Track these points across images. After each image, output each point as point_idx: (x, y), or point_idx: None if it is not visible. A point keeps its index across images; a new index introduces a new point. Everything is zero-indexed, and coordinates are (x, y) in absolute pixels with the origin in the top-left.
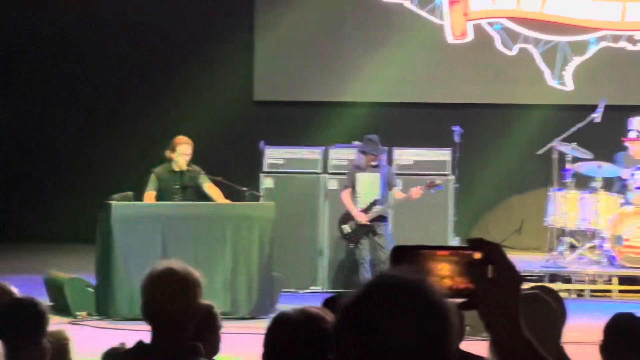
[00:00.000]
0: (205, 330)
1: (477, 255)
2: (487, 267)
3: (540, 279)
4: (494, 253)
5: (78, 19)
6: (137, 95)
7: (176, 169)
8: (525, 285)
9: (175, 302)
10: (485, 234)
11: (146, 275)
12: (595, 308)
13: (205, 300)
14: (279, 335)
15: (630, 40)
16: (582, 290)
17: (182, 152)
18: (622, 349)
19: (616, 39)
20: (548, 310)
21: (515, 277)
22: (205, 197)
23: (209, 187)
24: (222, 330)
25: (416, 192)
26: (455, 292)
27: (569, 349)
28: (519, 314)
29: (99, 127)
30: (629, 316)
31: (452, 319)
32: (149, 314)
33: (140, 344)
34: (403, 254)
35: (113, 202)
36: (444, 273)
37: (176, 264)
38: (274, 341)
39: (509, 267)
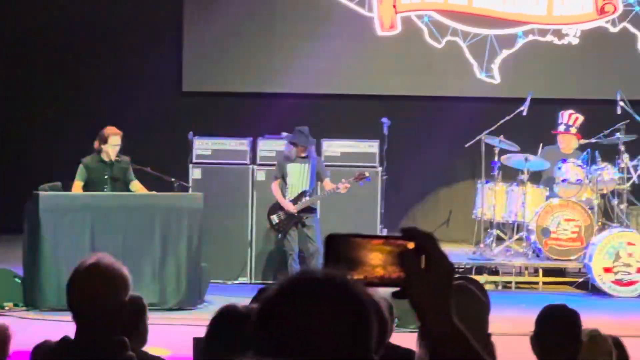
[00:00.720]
0: (133, 322)
1: (411, 245)
2: (420, 257)
3: (467, 271)
4: (427, 242)
5: (2, 8)
6: (65, 86)
7: (106, 159)
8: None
9: (102, 298)
10: (415, 224)
11: (73, 269)
12: (522, 300)
13: (133, 292)
14: (223, 327)
15: (557, 34)
16: (508, 282)
17: (112, 143)
18: (553, 340)
19: (543, 32)
20: (474, 300)
21: (447, 266)
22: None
23: (133, 185)
24: (150, 321)
25: (344, 186)
26: (388, 281)
27: (496, 340)
28: (451, 303)
29: (26, 117)
30: (560, 307)
31: (372, 315)
32: (75, 309)
33: (65, 339)
34: (336, 242)
35: (41, 192)
36: (376, 262)
37: (104, 258)
38: (218, 333)
39: (442, 256)
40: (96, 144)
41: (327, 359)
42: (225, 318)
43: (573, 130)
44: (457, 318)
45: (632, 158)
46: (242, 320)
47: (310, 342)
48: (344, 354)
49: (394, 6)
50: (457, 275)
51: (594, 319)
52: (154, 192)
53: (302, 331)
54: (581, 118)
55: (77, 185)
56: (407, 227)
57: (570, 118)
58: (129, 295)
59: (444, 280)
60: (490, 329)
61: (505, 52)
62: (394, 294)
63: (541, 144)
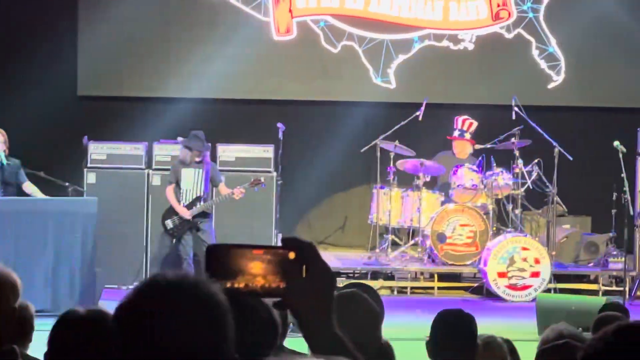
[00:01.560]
0: (22, 330)
1: (291, 255)
2: (301, 266)
3: (363, 276)
4: (307, 252)
5: None
6: None
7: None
8: (343, 283)
9: None
10: (309, 231)
11: None
12: (417, 305)
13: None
14: (63, 333)
15: (453, 39)
16: (404, 287)
17: None
18: (449, 345)
19: (439, 38)
20: (366, 307)
21: (328, 276)
22: (23, 192)
23: (27, 186)
24: (41, 328)
25: (239, 192)
26: (268, 290)
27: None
28: (332, 312)
29: None
30: (455, 312)
31: (228, 315)
32: None
33: None
34: (217, 252)
35: None
36: (256, 271)
37: None
38: (58, 339)
39: (322, 266)
40: None
41: (184, 359)
42: (65, 324)
43: (467, 135)
44: (348, 325)
45: (526, 164)
46: (83, 324)
47: (167, 342)
48: (200, 352)
49: (290, 11)
50: (350, 282)
51: (489, 323)
52: (46, 197)
53: (158, 332)
54: (475, 124)
55: None
56: (288, 237)
57: (464, 123)
58: (18, 302)
59: (325, 289)
60: (386, 334)
61: (402, 57)
62: (275, 305)
63: (436, 149)
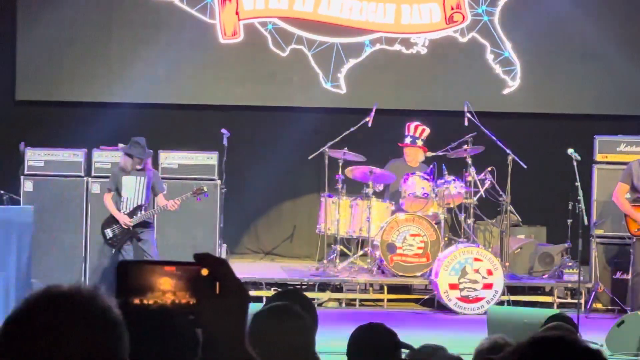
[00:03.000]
0: None
1: (204, 271)
2: (214, 283)
3: (310, 287)
4: (220, 269)
5: None
6: None
7: None
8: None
9: None
10: (256, 242)
11: None
12: (366, 318)
13: None
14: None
15: (405, 43)
16: (352, 300)
17: None
18: (364, 358)
19: (391, 41)
20: (298, 319)
21: (241, 293)
22: None
23: None
24: None
25: (172, 205)
26: (178, 307)
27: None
28: (244, 332)
29: None
30: (369, 327)
31: (122, 327)
32: None
33: None
34: (127, 269)
35: None
36: (166, 288)
37: None
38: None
39: (236, 282)
40: None
41: None
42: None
43: (420, 142)
44: (279, 339)
45: (479, 172)
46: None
47: (58, 354)
48: None
49: (237, 13)
50: (279, 291)
51: (439, 336)
52: None
53: (46, 345)
54: (428, 130)
55: None
56: (200, 253)
57: (417, 130)
58: None
59: (238, 306)
60: (333, 349)
61: (352, 62)
62: (190, 321)
63: (386, 157)
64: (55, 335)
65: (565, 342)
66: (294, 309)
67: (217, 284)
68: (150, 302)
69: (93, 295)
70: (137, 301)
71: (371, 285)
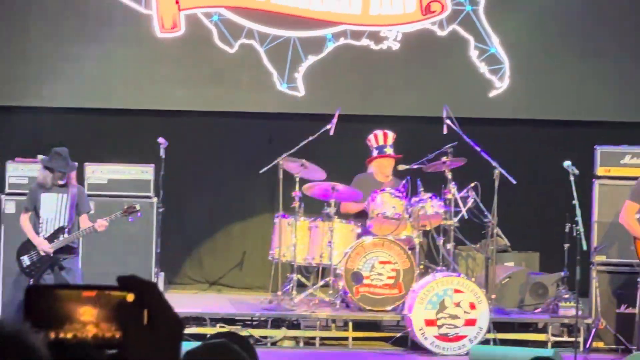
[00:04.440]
0: None
1: (130, 297)
2: (142, 311)
3: (262, 323)
4: (149, 294)
5: None
6: None
7: None
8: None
9: None
10: (199, 269)
11: None
12: (328, 359)
13: None
14: None
15: (374, 37)
16: (312, 338)
17: None
18: None
19: (357, 35)
20: (237, 358)
21: (175, 321)
22: None
23: None
24: None
25: (100, 225)
26: (102, 341)
27: None
28: None
29: None
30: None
31: None
32: None
33: None
34: (38, 295)
35: None
36: (87, 318)
37: None
38: None
39: (167, 310)
40: None
41: None
42: None
43: (388, 150)
44: None
45: (460, 188)
46: None
47: None
48: None
49: (177, 2)
50: (218, 332)
51: None
52: None
53: None
54: (394, 134)
55: None
56: (125, 275)
57: (381, 138)
58: None
59: (170, 337)
60: None
61: (312, 59)
62: (110, 358)
63: (351, 170)
64: None
65: None
66: (232, 347)
67: (145, 312)
68: (68, 335)
69: (16, 334)
70: (52, 335)
71: (334, 321)
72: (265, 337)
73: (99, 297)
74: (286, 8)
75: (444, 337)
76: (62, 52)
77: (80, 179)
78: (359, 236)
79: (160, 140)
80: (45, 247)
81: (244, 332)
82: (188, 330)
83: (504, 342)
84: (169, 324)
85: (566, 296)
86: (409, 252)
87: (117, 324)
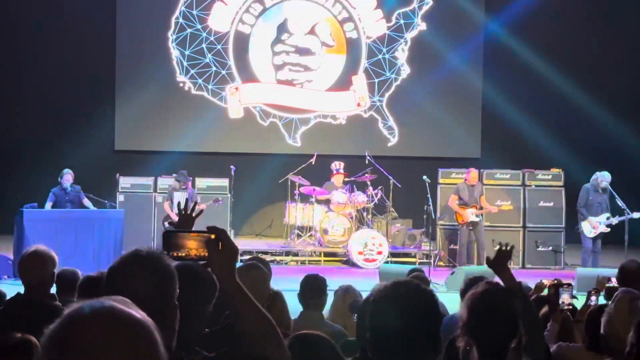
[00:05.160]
0: (69, 286)
1: (212, 236)
2: (218, 243)
3: (280, 254)
4: (222, 235)
5: None
6: (34, 140)
7: (65, 186)
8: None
9: (36, 270)
10: (250, 228)
11: (21, 255)
12: (311, 270)
13: (69, 267)
14: (85, 289)
15: (333, 117)
16: (304, 260)
17: (66, 179)
18: (308, 294)
19: (325, 116)
20: (260, 272)
21: (233, 249)
22: (82, 206)
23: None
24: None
25: (201, 207)
26: (198, 257)
27: (288, 294)
28: (235, 270)
29: (17, 160)
30: (312, 275)
31: (174, 275)
32: (22, 277)
33: (18, 294)
34: (169, 235)
35: (25, 209)
36: (192, 246)
37: (39, 247)
38: (82, 293)
39: (230, 243)
40: (59, 179)
41: (141, 302)
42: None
43: (341, 170)
44: (247, 282)
45: (374, 188)
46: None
47: (131, 291)
48: (153, 297)
49: (239, 101)
50: (251, 257)
51: (351, 279)
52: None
53: (134, 286)
54: (343, 164)
55: (49, 205)
56: (211, 225)
57: (339, 164)
58: (58, 268)
59: (231, 257)
60: (291, 288)
61: (304, 127)
62: (204, 265)
63: (323, 180)
64: (137, 280)
65: (411, 283)
66: (257, 265)
67: (220, 243)
68: (182, 254)
69: (160, 255)
70: (175, 254)
71: (314, 252)
72: (281, 260)
73: (197, 236)
74: (292, 103)
75: (367, 260)
76: (176, 129)
77: (193, 185)
78: (327, 212)
79: (232, 167)
80: (175, 218)
81: (269, 257)
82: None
83: (395, 262)
84: (230, 250)
85: (425, 240)
86: (350, 219)
87: (206, 249)
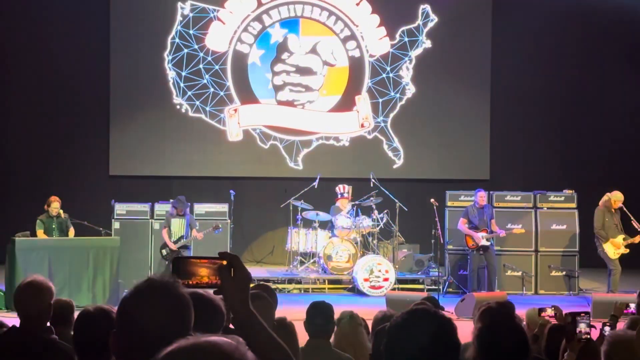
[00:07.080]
0: (63, 317)
1: (225, 262)
2: (230, 269)
3: (282, 281)
4: (234, 261)
5: None
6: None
7: (54, 214)
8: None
9: (32, 301)
10: (250, 255)
11: (17, 285)
12: (315, 298)
13: (65, 298)
14: (82, 326)
15: (336, 139)
16: (307, 288)
17: (54, 206)
18: (314, 322)
19: (328, 138)
20: (264, 300)
21: (246, 276)
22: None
23: (70, 232)
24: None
25: (199, 235)
26: (209, 285)
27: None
28: (248, 298)
29: (8, 187)
30: (318, 303)
31: (189, 304)
32: (18, 309)
33: (13, 326)
34: (180, 262)
35: (17, 238)
36: (203, 273)
37: (36, 277)
38: (79, 330)
39: (243, 269)
40: (45, 207)
41: (158, 333)
42: (81, 317)
43: (346, 195)
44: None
45: (380, 212)
46: (95, 317)
47: (148, 322)
48: (170, 327)
49: (239, 123)
50: (256, 284)
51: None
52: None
53: (145, 314)
54: (350, 187)
55: (40, 233)
56: (223, 252)
57: (344, 189)
58: (54, 299)
59: (244, 284)
60: (293, 318)
61: (305, 150)
62: (214, 292)
63: (328, 205)
64: (153, 311)
65: (426, 310)
66: (262, 294)
67: (232, 270)
68: (194, 282)
69: (174, 283)
70: (186, 282)
71: (318, 279)
72: (283, 288)
73: (209, 262)
74: (293, 125)
75: (373, 287)
76: (180, 153)
77: (191, 211)
78: (330, 237)
79: (231, 191)
80: (172, 246)
81: (271, 285)
82: None
83: (402, 289)
84: (243, 276)
85: (433, 266)
86: (355, 245)
87: (218, 276)
